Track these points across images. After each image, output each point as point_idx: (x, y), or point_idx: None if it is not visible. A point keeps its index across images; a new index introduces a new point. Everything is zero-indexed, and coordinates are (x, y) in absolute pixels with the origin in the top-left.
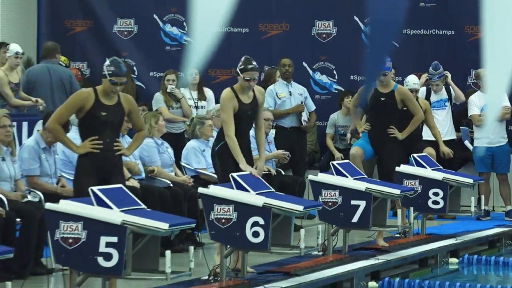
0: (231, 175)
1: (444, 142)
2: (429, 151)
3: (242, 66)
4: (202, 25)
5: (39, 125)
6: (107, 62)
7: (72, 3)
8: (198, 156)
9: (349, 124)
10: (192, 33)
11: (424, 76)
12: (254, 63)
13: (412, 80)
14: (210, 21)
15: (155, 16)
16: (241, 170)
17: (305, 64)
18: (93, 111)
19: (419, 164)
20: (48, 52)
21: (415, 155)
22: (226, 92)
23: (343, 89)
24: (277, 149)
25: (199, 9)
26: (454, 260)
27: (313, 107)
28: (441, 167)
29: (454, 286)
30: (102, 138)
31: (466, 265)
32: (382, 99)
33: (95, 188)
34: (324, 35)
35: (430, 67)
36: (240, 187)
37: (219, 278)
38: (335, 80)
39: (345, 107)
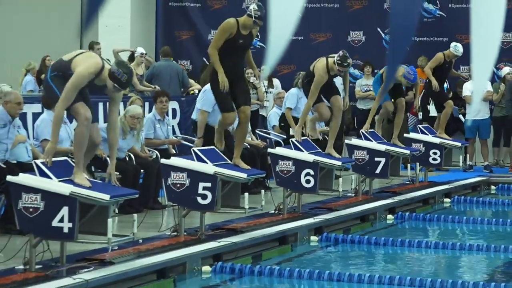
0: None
1: None
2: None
3: (258, 13)
4: (277, 34)
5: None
6: (255, 7)
7: (179, 19)
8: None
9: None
10: (269, 40)
11: None
12: (264, 11)
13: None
14: (283, 31)
15: None
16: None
17: None
18: (235, 38)
19: (423, 133)
20: (165, 54)
21: (421, 127)
22: (231, 21)
23: None
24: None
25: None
26: (447, 200)
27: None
28: (437, 133)
29: (448, 219)
30: (235, 58)
31: (456, 203)
32: None
33: (196, 149)
34: (356, 41)
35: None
36: (296, 147)
37: (282, 212)
38: (363, 73)
39: (366, 74)
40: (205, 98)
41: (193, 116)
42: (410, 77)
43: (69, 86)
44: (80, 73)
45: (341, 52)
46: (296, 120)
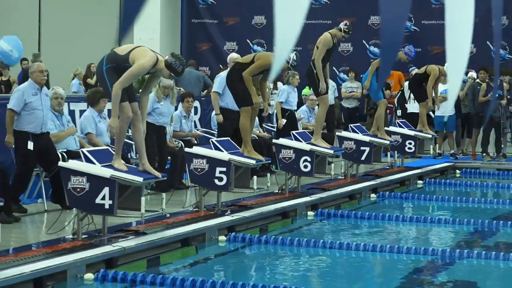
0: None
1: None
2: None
3: (347, 29)
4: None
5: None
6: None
7: (200, 33)
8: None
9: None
10: (275, 49)
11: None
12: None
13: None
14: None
15: (248, 40)
16: None
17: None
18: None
19: (400, 126)
20: (190, 64)
21: (399, 121)
22: (328, 35)
23: None
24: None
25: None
26: (420, 181)
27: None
28: (413, 127)
29: (421, 197)
30: None
31: (427, 184)
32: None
33: (213, 140)
34: (345, 51)
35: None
36: (296, 138)
37: (284, 191)
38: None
39: (350, 78)
40: (214, 82)
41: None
42: (410, 53)
43: (130, 73)
44: (142, 64)
45: (347, 22)
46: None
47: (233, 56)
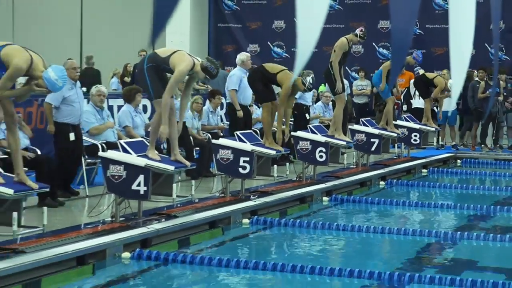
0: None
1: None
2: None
3: (362, 35)
4: (303, 47)
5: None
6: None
7: (225, 36)
8: None
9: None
10: (297, 51)
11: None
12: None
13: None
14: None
15: (268, 43)
16: None
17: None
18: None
19: (406, 120)
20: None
21: (405, 116)
22: (344, 40)
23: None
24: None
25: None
26: (425, 170)
27: None
28: (418, 121)
29: (425, 185)
30: None
31: (431, 173)
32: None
33: (238, 132)
34: (356, 53)
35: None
36: (312, 131)
37: (301, 179)
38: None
39: (360, 77)
40: (230, 81)
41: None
42: (418, 58)
43: (173, 80)
44: (181, 71)
45: (362, 28)
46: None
47: (241, 57)
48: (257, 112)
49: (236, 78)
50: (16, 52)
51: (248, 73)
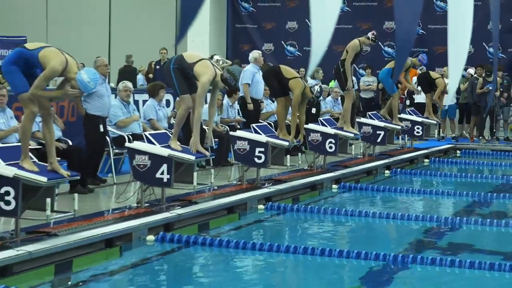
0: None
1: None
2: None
3: (374, 38)
4: (317, 46)
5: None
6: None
7: (242, 36)
8: None
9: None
10: (311, 50)
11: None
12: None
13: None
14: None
15: (282, 42)
16: None
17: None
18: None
19: (410, 114)
20: (235, 62)
21: (408, 110)
22: (357, 42)
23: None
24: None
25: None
26: (427, 160)
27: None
28: (420, 115)
29: (427, 173)
30: None
31: (432, 163)
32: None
33: (253, 125)
34: (364, 51)
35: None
36: (323, 124)
37: (312, 168)
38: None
39: (367, 74)
40: (243, 75)
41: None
42: (423, 61)
43: (200, 92)
44: (204, 83)
45: (374, 32)
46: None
47: (254, 55)
48: (271, 106)
49: (249, 73)
50: (53, 55)
51: (260, 69)
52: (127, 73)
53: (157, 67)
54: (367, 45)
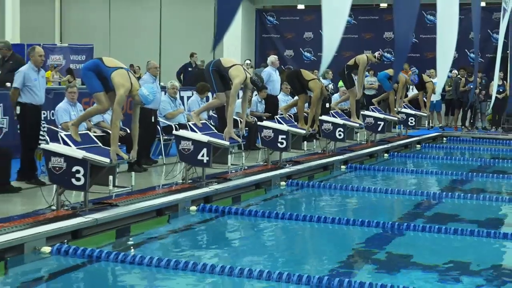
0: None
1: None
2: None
3: (379, 58)
4: (327, 51)
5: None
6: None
7: (268, 44)
8: None
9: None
10: (322, 54)
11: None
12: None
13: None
14: (331, 48)
15: (300, 49)
16: None
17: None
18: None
19: (405, 108)
20: (262, 65)
21: (404, 104)
22: (365, 58)
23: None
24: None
25: (326, 41)
26: (418, 145)
27: None
28: (413, 108)
29: (419, 156)
30: None
31: (424, 148)
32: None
33: (277, 116)
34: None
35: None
36: (334, 116)
37: (325, 152)
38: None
39: (370, 75)
40: (263, 75)
41: None
42: (415, 80)
43: (233, 92)
44: (237, 84)
45: (380, 51)
46: None
47: (271, 59)
48: (285, 101)
49: (267, 74)
50: (122, 81)
51: (276, 70)
52: (199, 74)
53: (189, 69)
54: (373, 62)
